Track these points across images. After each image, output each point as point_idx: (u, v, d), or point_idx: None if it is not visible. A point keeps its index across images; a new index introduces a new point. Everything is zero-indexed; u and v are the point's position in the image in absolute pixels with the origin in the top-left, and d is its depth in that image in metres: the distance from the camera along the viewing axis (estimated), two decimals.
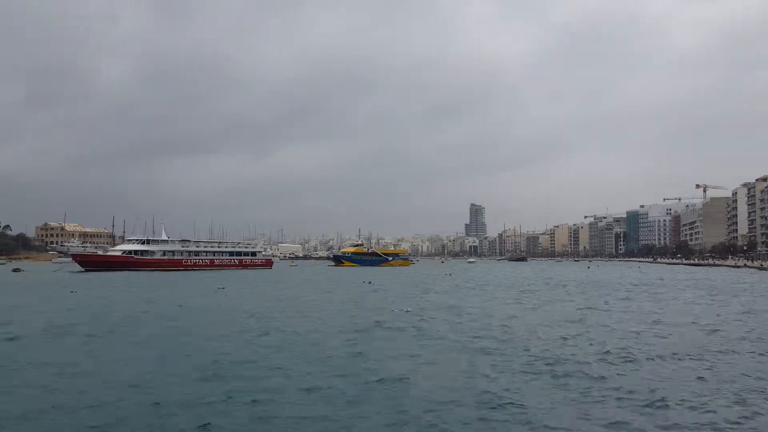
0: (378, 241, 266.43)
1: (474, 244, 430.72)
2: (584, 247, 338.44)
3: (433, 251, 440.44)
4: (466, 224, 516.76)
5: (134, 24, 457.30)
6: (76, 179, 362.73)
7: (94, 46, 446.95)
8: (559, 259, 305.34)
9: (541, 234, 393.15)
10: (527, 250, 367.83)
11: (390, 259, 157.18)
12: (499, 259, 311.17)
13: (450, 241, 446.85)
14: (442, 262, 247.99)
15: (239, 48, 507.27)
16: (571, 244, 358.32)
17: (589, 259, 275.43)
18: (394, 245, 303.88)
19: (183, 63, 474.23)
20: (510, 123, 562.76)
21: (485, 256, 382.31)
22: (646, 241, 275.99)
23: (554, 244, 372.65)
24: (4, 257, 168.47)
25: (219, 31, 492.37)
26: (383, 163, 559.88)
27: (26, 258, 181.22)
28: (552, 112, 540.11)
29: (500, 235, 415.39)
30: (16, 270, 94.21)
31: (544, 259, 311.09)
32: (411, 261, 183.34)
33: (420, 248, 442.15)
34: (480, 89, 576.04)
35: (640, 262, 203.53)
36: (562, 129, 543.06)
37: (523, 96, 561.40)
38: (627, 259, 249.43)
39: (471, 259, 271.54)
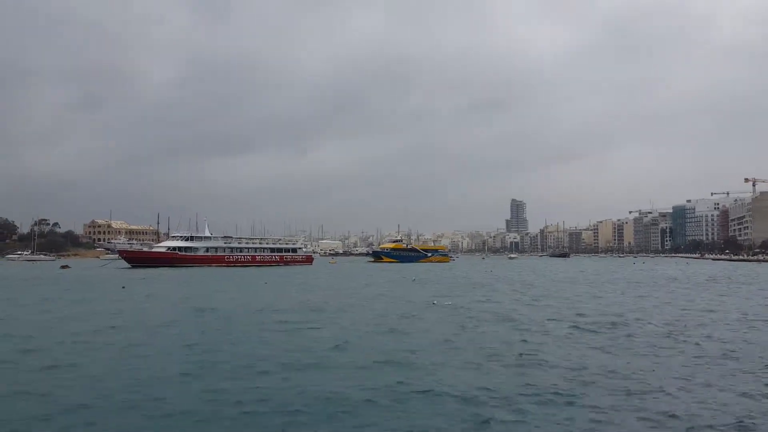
0: (418, 237, 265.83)
1: (515, 240, 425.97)
2: (629, 243, 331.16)
3: (473, 247, 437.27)
4: (506, 220, 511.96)
5: (178, 26, 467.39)
6: (122, 178, 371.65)
7: (141, 49, 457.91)
8: (603, 255, 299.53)
9: (584, 230, 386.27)
10: (570, 246, 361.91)
11: (429, 255, 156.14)
12: (541, 255, 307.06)
13: (490, 237, 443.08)
14: (483, 258, 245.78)
15: (279, 47, 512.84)
16: (615, 239, 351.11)
17: (633, 255, 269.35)
18: (434, 241, 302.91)
19: (224, 63, 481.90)
20: (552, 117, 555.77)
21: (526, 252, 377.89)
22: (693, 237, 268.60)
23: (598, 239, 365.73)
24: (53, 254, 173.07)
25: (259, 31, 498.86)
26: (423, 159, 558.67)
27: (74, 255, 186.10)
28: (595, 106, 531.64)
29: (542, 231, 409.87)
30: (64, 267, 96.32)
31: (587, 255, 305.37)
32: (450, 257, 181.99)
33: (460, 244, 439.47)
34: (521, 83, 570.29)
35: (686, 258, 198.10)
36: (606, 123, 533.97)
37: (565, 89, 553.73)
38: (673, 254, 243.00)
39: (512, 255, 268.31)
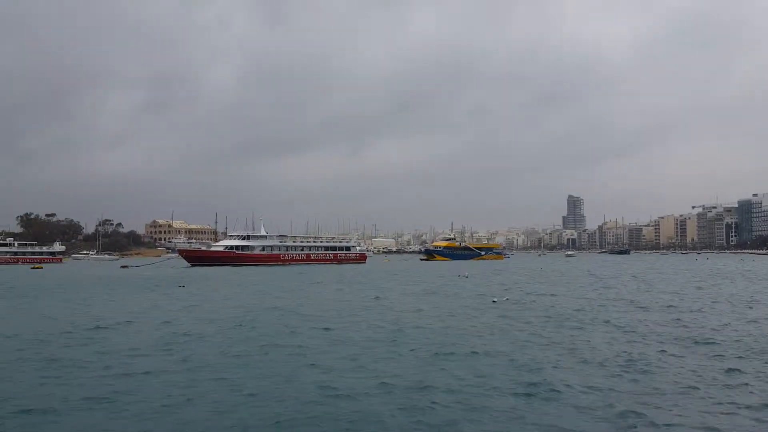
0: (472, 234, 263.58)
1: (572, 236, 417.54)
2: (692, 239, 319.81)
3: (528, 244, 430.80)
4: (563, 216, 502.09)
5: (240, 30, 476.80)
6: (182, 179, 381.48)
7: (204, 54, 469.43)
8: (665, 251, 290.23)
9: (645, 225, 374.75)
10: (629, 242, 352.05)
11: (483, 253, 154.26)
12: (600, 252, 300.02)
13: (546, 234, 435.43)
14: (539, 255, 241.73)
15: (339, 46, 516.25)
16: (677, 235, 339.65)
17: (697, 251, 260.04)
18: (488, 239, 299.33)
19: (286, 64, 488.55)
20: (612, 111, 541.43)
21: (584, 249, 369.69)
22: (760, 232, 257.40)
23: (659, 236, 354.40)
24: (116, 253, 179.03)
25: (321, 30, 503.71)
26: (479, 156, 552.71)
27: (137, 254, 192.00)
28: (656, 100, 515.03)
29: (600, 228, 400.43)
30: (124, 267, 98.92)
31: (647, 251, 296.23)
32: (504, 255, 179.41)
33: (515, 242, 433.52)
34: (581, 77, 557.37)
35: (753, 254, 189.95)
36: (667, 117, 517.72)
37: (626, 83, 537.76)
38: (739, 251, 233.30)
39: (569, 252, 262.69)
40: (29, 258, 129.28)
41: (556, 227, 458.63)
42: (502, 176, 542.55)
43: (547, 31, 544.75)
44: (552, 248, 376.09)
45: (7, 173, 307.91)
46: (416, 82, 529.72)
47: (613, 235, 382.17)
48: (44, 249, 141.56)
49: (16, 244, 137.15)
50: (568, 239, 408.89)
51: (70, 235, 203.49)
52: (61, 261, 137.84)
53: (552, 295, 35.94)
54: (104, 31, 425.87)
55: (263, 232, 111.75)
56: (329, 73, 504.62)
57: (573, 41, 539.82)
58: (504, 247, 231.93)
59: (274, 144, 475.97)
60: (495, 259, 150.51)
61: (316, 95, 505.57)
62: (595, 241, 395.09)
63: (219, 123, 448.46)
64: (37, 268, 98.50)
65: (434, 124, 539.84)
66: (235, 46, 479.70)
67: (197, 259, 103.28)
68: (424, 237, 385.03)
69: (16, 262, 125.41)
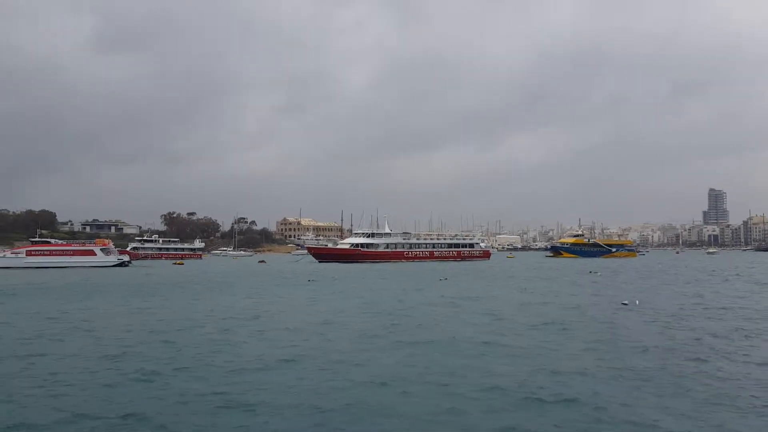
0: (602, 230, 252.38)
1: (713, 233, 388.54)
2: None
3: (665, 241, 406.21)
4: (703, 211, 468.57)
5: (373, 32, 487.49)
6: (312, 177, 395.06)
7: (339, 55, 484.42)
8: None
9: None
10: None
11: (613, 250, 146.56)
12: (744, 250, 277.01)
13: (685, 230, 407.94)
14: (677, 252, 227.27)
15: (471, 42, 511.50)
16: None
17: None
18: (619, 235, 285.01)
19: (417, 62, 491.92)
20: (755, 99, 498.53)
21: (726, 246, 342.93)
22: None
23: None
24: (250, 249, 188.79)
25: (451, 28, 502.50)
26: (612, 149, 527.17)
27: (268, 250, 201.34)
28: None
29: (745, 223, 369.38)
30: (261, 262, 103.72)
31: None
32: (638, 252, 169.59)
33: (650, 238, 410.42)
34: (721, 64, 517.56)
35: None
36: None
37: None
38: None
39: (710, 250, 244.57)
40: (172, 254, 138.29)
41: (696, 223, 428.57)
42: (636, 169, 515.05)
43: (687, 14, 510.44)
44: (691, 245, 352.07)
45: (156, 175, 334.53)
46: (546, 74, 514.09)
47: (760, 231, 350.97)
48: (185, 245, 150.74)
49: (160, 241, 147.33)
50: (709, 235, 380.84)
51: (208, 232, 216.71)
52: (201, 257, 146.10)
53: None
54: (244, 37, 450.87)
55: (387, 230, 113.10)
56: (460, 70, 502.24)
57: (718, 23, 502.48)
58: (638, 244, 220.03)
59: (403, 142, 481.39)
60: (627, 256, 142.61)
61: (447, 92, 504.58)
62: (739, 238, 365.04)
63: (350, 122, 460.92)
64: (179, 264, 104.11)
65: (564, 117, 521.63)
66: (371, 47, 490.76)
67: (324, 255, 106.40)
68: (550, 233, 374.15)
69: (160, 257, 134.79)
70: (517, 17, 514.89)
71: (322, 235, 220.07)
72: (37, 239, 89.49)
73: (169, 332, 19.84)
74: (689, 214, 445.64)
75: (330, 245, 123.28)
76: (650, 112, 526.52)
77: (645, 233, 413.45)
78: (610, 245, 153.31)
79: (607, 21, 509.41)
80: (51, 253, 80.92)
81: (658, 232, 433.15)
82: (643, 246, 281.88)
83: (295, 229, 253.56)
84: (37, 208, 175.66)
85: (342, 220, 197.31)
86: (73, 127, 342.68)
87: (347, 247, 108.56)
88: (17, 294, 37.33)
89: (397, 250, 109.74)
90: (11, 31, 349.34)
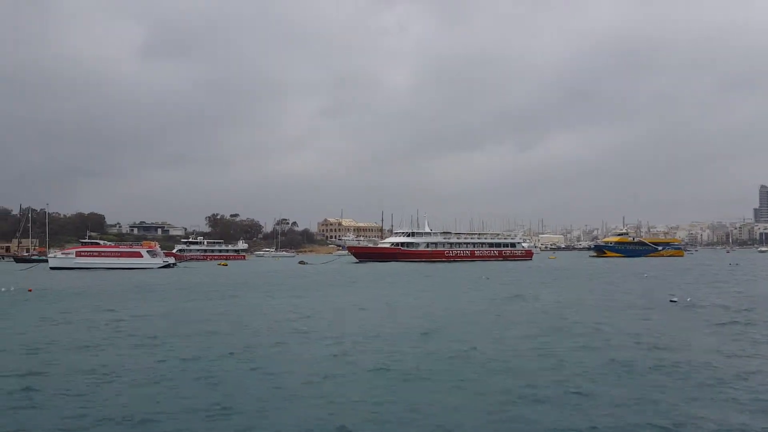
0: (649, 229, 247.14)
1: (765, 231, 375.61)
2: None
3: (714, 240, 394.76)
4: (755, 209, 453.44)
5: (415, 34, 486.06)
6: (352, 178, 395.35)
7: (382, 58, 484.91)
8: None
9: None
10: None
11: (660, 249, 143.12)
12: None
13: (735, 229, 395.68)
14: (728, 251, 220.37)
15: (513, 42, 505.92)
16: None
17: None
18: (666, 234, 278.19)
19: (460, 62, 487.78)
20: None
21: None
22: None
23: None
24: (292, 250, 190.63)
25: (494, 27, 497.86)
26: (659, 146, 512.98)
27: (310, 251, 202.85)
28: None
29: None
30: (301, 263, 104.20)
31: None
32: (686, 251, 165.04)
33: (699, 237, 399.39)
34: None
35: None
36: None
37: None
38: None
39: (763, 248, 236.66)
40: (216, 255, 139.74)
41: (747, 221, 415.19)
42: (684, 167, 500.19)
43: (739, 7, 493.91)
44: (742, 244, 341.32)
45: (201, 177, 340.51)
46: (594, 71, 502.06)
47: None
48: (229, 247, 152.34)
49: (205, 243, 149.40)
50: (761, 233, 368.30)
51: (251, 233, 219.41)
52: (244, 258, 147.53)
53: None
54: (287, 40, 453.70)
55: (427, 229, 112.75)
56: (502, 69, 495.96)
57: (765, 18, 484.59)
58: (686, 243, 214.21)
59: (444, 142, 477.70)
60: (674, 255, 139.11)
61: (488, 91, 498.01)
62: None
63: (391, 124, 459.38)
64: (223, 265, 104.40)
65: (608, 115, 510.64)
66: (413, 48, 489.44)
67: (365, 255, 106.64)
68: (595, 233, 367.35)
69: (205, 258, 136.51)
70: (561, 15, 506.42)
71: (363, 236, 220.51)
72: (86, 240, 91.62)
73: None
74: (739, 212, 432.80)
75: (371, 245, 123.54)
76: (698, 109, 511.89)
77: (693, 232, 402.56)
78: (656, 243, 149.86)
79: (657, 18, 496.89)
80: (99, 255, 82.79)
81: (708, 231, 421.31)
82: (691, 245, 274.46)
83: (335, 230, 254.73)
84: (87, 211, 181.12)
85: (382, 220, 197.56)
86: (122, 131, 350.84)
87: (387, 246, 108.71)
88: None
89: (438, 249, 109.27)
90: (66, 38, 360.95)
